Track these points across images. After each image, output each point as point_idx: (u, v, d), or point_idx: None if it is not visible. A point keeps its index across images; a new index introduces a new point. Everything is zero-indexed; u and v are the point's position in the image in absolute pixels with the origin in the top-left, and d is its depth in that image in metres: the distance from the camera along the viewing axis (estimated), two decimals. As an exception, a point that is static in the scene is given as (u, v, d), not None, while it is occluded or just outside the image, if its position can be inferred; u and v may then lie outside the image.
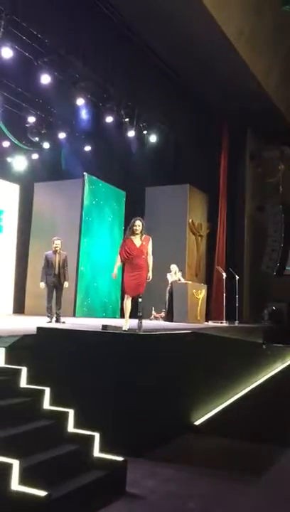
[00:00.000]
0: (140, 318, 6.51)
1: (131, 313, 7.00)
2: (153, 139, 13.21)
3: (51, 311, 9.24)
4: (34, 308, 12.36)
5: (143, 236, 6.93)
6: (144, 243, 6.94)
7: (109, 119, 12.05)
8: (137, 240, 6.90)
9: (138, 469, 4.54)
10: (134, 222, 6.95)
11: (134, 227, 6.90)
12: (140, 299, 6.89)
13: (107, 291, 14.01)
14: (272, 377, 9.33)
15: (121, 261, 6.98)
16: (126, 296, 7.06)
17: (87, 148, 13.59)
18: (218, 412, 6.72)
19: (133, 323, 6.71)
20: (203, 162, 14.62)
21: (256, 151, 15.78)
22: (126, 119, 12.24)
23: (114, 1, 9.78)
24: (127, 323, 6.83)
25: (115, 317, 13.63)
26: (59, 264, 9.33)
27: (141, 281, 6.93)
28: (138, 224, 6.90)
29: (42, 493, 3.30)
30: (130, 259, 6.87)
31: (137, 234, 6.89)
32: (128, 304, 7.01)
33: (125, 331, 6.59)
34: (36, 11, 8.44)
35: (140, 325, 6.41)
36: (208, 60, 11.66)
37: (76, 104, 11.23)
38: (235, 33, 11.12)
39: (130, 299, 7.01)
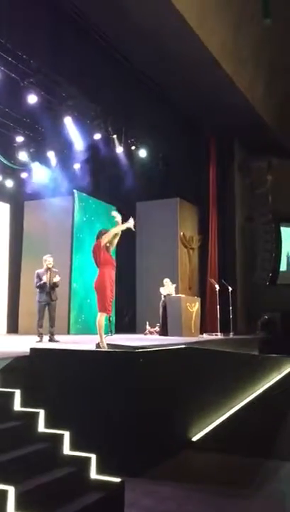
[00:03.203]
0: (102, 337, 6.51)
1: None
2: (142, 154, 13.30)
3: (41, 329, 9.13)
4: (28, 327, 12.26)
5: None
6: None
7: (97, 136, 12.13)
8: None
9: (136, 489, 4.49)
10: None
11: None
12: (110, 318, 6.80)
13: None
14: (269, 388, 9.30)
15: (98, 262, 6.66)
16: (102, 313, 6.71)
17: (76, 165, 13.64)
18: (215, 427, 6.67)
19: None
20: (192, 175, 14.74)
21: (244, 163, 15.92)
22: (114, 136, 12.34)
23: (97, 21, 9.91)
24: (104, 340, 6.70)
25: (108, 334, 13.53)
26: (50, 281, 9.26)
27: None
28: None
29: (38, 519, 3.26)
30: (111, 267, 6.71)
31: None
32: (103, 320, 6.77)
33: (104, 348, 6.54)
34: (21, 32, 8.57)
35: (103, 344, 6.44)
36: (193, 74, 11.82)
37: (64, 123, 11.31)
38: (218, 47, 11.29)
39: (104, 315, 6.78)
